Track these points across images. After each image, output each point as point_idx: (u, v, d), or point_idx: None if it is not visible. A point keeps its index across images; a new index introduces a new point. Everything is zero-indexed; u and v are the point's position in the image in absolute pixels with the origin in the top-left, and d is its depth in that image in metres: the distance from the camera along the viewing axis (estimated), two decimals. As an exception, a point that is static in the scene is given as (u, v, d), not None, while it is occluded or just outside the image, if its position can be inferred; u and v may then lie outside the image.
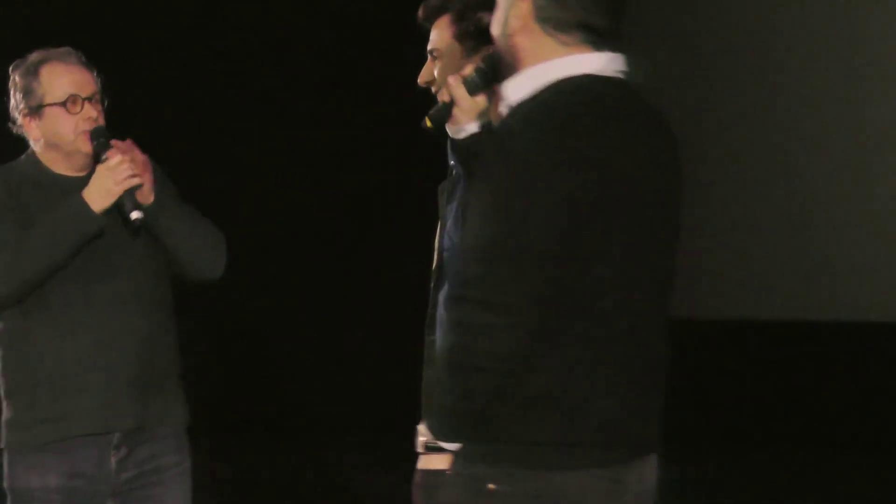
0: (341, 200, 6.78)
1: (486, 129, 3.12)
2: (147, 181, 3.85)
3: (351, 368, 6.79)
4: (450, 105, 3.12)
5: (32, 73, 3.91)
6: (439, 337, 3.52)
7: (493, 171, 2.63)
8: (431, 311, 3.60)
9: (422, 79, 3.55)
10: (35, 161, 3.96)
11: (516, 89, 2.78)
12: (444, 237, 3.59)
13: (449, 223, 3.58)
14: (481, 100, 3.10)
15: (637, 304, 2.72)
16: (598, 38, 2.78)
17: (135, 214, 3.82)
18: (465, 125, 3.12)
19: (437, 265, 3.61)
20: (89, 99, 3.90)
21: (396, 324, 5.72)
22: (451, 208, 3.57)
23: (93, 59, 3.98)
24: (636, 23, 7.98)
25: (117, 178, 3.81)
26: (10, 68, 3.95)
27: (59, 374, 3.88)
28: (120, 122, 4.23)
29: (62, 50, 3.95)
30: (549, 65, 2.75)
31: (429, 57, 3.55)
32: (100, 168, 3.83)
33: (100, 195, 3.82)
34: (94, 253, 3.87)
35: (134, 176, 3.82)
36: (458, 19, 3.48)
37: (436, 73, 3.50)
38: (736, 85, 8.31)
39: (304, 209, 7.29)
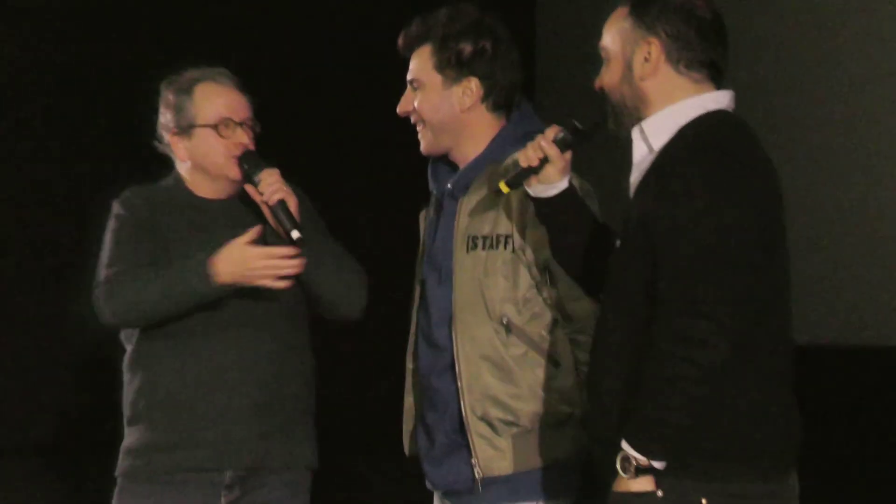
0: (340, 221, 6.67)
1: (572, 184, 3.23)
2: (294, 204, 3.67)
3: (350, 385, 6.68)
4: (532, 169, 3.18)
5: (186, 91, 3.77)
6: (423, 365, 3.53)
7: (696, 195, 2.77)
8: (414, 338, 3.61)
9: (401, 108, 3.55)
10: (178, 182, 3.82)
11: (657, 128, 2.94)
12: (425, 265, 3.59)
13: (432, 254, 3.56)
14: (569, 157, 3.19)
15: (787, 322, 2.91)
16: (720, 74, 2.99)
17: (295, 234, 3.61)
18: (556, 183, 3.20)
19: (419, 291, 3.61)
20: (241, 124, 3.76)
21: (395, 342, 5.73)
22: (432, 237, 3.57)
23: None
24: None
25: (253, 264, 3.60)
26: (163, 85, 3.82)
27: (175, 401, 3.71)
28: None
29: (217, 70, 3.81)
30: (683, 104, 2.94)
31: (409, 87, 3.55)
32: (240, 250, 3.60)
33: (229, 271, 3.60)
34: None
35: (286, 193, 3.66)
36: (440, 49, 3.49)
37: (416, 103, 3.51)
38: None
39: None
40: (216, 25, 6.35)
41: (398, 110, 3.55)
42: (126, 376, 3.81)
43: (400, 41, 3.55)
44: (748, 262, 2.74)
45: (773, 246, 2.83)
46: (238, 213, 3.77)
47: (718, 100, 2.95)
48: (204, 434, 3.70)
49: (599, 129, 3.16)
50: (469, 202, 3.44)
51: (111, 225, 3.78)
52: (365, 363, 6.15)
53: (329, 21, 6.75)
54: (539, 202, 3.22)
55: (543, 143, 3.15)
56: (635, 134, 2.96)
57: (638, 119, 2.96)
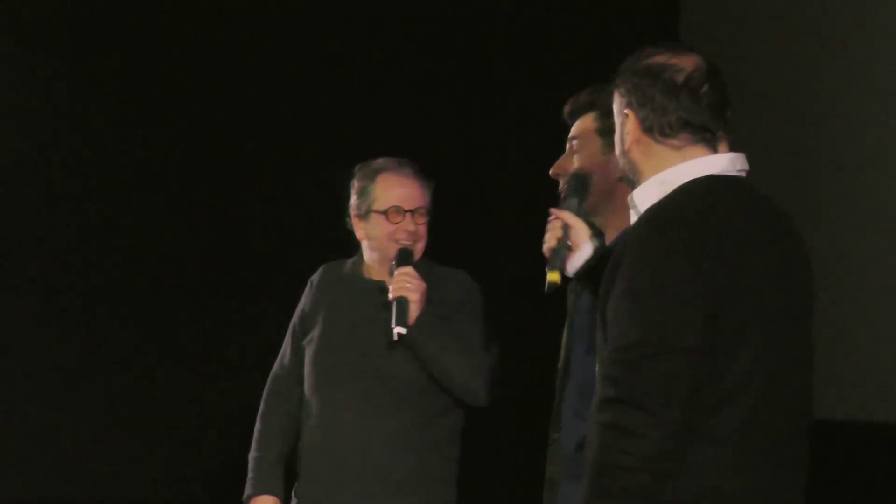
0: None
1: (601, 251, 3.24)
2: (416, 301, 4.08)
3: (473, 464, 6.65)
4: (563, 244, 3.24)
5: (370, 178, 4.26)
6: (567, 436, 3.52)
7: (628, 275, 2.70)
8: (556, 408, 3.61)
9: (556, 171, 3.60)
10: (356, 261, 4.36)
11: (644, 197, 2.88)
12: (571, 335, 3.60)
13: (577, 324, 3.58)
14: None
15: (780, 399, 2.75)
16: (709, 135, 2.85)
17: (397, 329, 4.07)
18: (581, 250, 3.25)
19: (563, 362, 3.61)
20: (412, 212, 4.20)
21: (518, 418, 5.70)
22: (579, 306, 3.58)
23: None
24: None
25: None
26: (355, 170, 4.31)
27: (304, 456, 4.29)
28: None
29: (400, 161, 4.28)
30: (671, 171, 2.85)
31: (567, 146, 3.61)
32: None
33: None
34: (359, 345, 4.22)
35: (408, 291, 4.09)
36: (604, 116, 3.51)
37: (574, 163, 3.57)
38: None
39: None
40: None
41: (552, 172, 3.60)
42: None
43: (567, 108, 3.65)
44: (686, 350, 2.63)
45: (739, 330, 2.69)
46: (384, 294, 4.17)
47: (713, 164, 2.84)
48: (318, 494, 4.25)
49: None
50: None
51: (299, 304, 4.41)
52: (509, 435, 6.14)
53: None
54: (579, 276, 3.27)
55: (555, 213, 3.27)
56: (629, 203, 2.93)
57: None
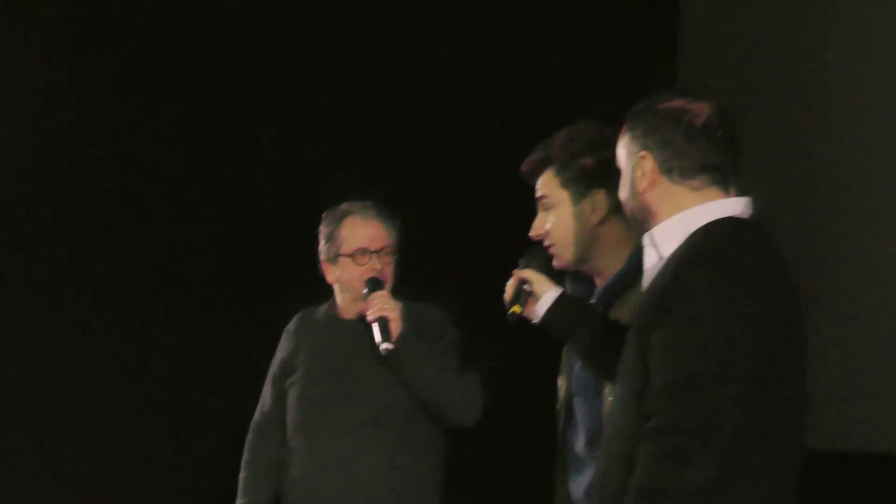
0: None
1: (564, 293, 3.40)
2: (395, 318, 4.22)
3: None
4: (521, 288, 3.38)
5: (335, 223, 4.41)
6: (573, 483, 3.57)
7: (681, 311, 2.78)
8: (561, 454, 3.64)
9: (534, 232, 3.61)
10: (330, 304, 4.49)
11: (666, 236, 2.96)
12: (570, 378, 3.63)
13: (577, 366, 3.61)
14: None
15: (799, 431, 2.88)
16: (724, 177, 2.96)
17: (384, 345, 4.21)
18: (545, 297, 3.36)
19: (562, 405, 3.65)
20: (377, 252, 4.34)
21: (521, 464, 5.73)
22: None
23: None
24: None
25: None
26: (322, 216, 4.45)
27: (293, 490, 4.36)
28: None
29: (364, 204, 4.41)
30: (693, 211, 2.94)
31: (539, 207, 3.62)
32: None
33: None
34: (341, 380, 4.34)
35: (386, 311, 4.21)
36: (563, 167, 3.57)
37: (548, 225, 3.59)
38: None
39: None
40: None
41: (531, 234, 3.61)
42: None
43: (522, 168, 3.64)
44: (740, 380, 2.74)
45: (777, 361, 2.81)
46: (363, 329, 4.32)
47: (729, 207, 2.95)
48: None
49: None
50: (615, 317, 3.42)
51: (276, 353, 4.53)
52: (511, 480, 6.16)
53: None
54: (546, 321, 3.37)
55: (517, 273, 3.38)
56: (646, 241, 3.00)
57: (647, 230, 3.00)
